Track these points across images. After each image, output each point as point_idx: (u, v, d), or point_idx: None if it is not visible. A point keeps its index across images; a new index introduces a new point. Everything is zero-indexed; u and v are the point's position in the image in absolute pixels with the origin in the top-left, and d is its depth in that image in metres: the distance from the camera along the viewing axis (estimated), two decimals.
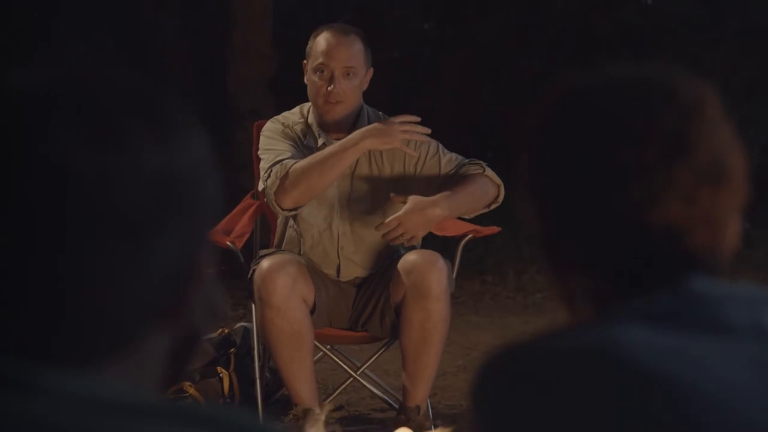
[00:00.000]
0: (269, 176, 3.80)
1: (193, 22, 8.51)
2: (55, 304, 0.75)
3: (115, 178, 0.75)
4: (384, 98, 3.99)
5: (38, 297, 0.75)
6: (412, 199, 3.77)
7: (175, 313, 0.79)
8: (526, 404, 1.07)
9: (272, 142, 3.91)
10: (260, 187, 3.90)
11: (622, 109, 1.15)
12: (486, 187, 3.91)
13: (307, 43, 3.95)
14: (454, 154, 3.97)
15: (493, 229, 4.21)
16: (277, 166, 3.80)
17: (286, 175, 3.77)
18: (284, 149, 3.86)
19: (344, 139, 3.78)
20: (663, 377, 1.04)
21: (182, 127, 0.79)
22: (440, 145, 3.97)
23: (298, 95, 4.12)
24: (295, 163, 3.78)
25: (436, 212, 3.78)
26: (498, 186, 3.93)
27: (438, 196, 3.81)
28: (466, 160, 3.96)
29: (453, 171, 3.91)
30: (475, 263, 6.81)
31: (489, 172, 3.92)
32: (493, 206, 3.95)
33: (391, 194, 3.83)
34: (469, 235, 4.12)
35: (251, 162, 4.06)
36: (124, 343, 0.77)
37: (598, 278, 1.14)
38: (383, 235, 3.77)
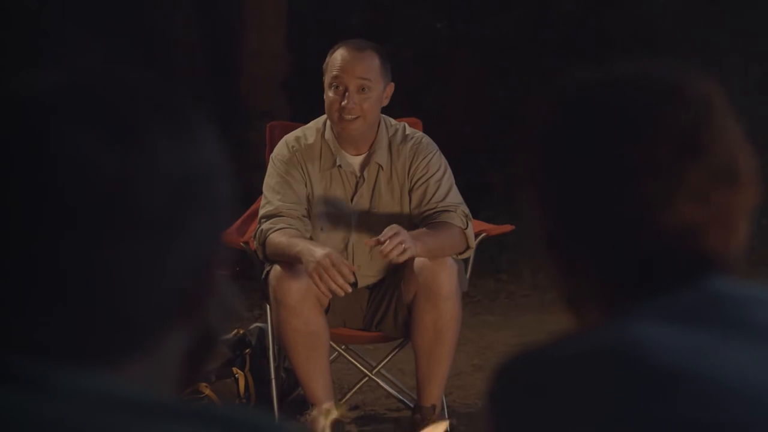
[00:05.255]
0: (256, 233, 3.86)
1: (205, 22, 8.51)
2: (70, 303, 0.75)
3: (133, 176, 0.75)
4: (396, 97, 3.97)
5: (52, 296, 0.74)
6: (394, 226, 3.67)
7: (191, 312, 0.79)
8: (548, 409, 1.06)
9: (273, 179, 3.90)
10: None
11: (632, 108, 1.13)
12: (456, 241, 3.85)
13: (319, 44, 3.95)
14: (452, 193, 3.91)
15: (507, 228, 4.20)
16: (263, 225, 3.83)
17: (264, 244, 3.81)
18: (279, 197, 3.85)
19: (306, 251, 3.64)
20: (687, 375, 1.02)
21: (197, 127, 0.79)
22: (447, 173, 3.93)
23: (312, 96, 4.12)
24: (275, 231, 3.79)
25: (411, 253, 3.65)
26: (468, 246, 3.89)
27: (416, 232, 3.74)
28: (454, 206, 3.90)
29: (433, 212, 3.87)
30: (490, 262, 6.80)
31: (469, 231, 3.88)
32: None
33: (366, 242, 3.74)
34: (483, 234, 4.11)
35: (264, 163, 4.07)
36: (139, 342, 0.76)
37: (608, 279, 1.13)
38: (384, 253, 3.60)
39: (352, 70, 3.81)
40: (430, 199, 3.88)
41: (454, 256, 3.88)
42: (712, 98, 1.14)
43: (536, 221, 1.16)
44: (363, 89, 3.81)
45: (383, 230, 3.92)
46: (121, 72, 0.81)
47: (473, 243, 3.91)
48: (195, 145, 0.80)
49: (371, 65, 3.83)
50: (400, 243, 3.60)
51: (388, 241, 3.59)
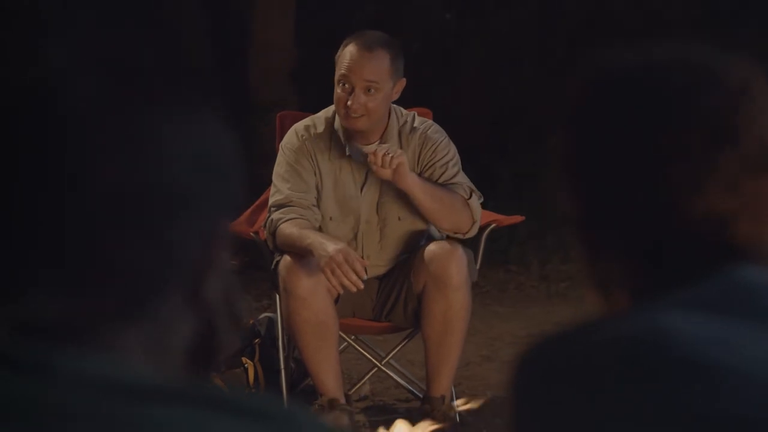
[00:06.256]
0: (266, 223, 3.88)
1: (214, 13, 8.51)
2: (67, 266, 0.73)
3: (147, 143, 0.74)
4: (406, 90, 3.96)
5: (53, 264, 0.73)
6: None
7: (189, 286, 0.78)
8: (570, 395, 1.05)
9: (282, 167, 3.91)
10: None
11: (666, 91, 1.11)
12: (458, 206, 3.86)
13: (327, 35, 3.95)
14: (459, 175, 3.93)
15: (517, 219, 4.21)
16: (274, 215, 3.84)
17: (275, 234, 3.82)
18: (289, 186, 3.86)
19: (318, 245, 3.67)
20: (713, 365, 1.01)
21: (211, 109, 0.79)
22: (455, 158, 3.95)
23: (321, 87, 4.11)
24: (285, 221, 3.80)
25: (403, 159, 3.75)
26: (472, 221, 3.90)
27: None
28: (464, 186, 3.92)
29: (441, 181, 3.91)
30: (499, 253, 6.79)
31: (473, 202, 3.89)
32: (459, 234, 3.91)
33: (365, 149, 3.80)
34: (493, 225, 4.12)
35: (274, 154, 4.07)
36: (136, 312, 0.75)
37: (636, 265, 1.11)
38: (376, 164, 3.71)
39: (360, 71, 3.80)
40: (437, 181, 3.89)
41: (460, 236, 3.88)
42: (749, 83, 1.12)
43: (568, 204, 1.15)
44: (369, 90, 3.81)
45: (393, 219, 3.93)
46: (140, 50, 0.81)
47: (478, 217, 3.91)
48: (211, 126, 0.80)
49: (379, 67, 3.82)
50: (386, 154, 3.67)
51: (374, 152, 3.69)
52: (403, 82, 3.91)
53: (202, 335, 0.80)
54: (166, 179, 0.76)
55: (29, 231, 0.73)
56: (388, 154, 3.70)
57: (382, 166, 3.70)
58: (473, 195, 3.90)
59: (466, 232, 3.92)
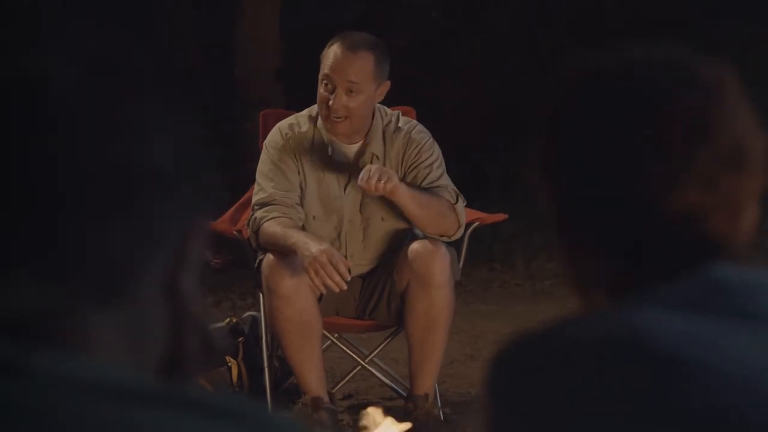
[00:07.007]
0: (249, 221, 3.87)
1: (201, 10, 8.50)
2: (52, 256, 0.72)
3: (139, 136, 0.74)
4: (394, 87, 3.95)
5: (33, 252, 0.72)
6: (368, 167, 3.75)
7: (169, 283, 0.77)
8: (547, 393, 1.06)
9: (266, 165, 3.90)
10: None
11: (642, 91, 1.13)
12: (445, 212, 3.85)
13: (316, 33, 3.94)
14: (444, 177, 3.93)
15: (500, 217, 4.21)
16: (257, 213, 3.83)
17: (258, 233, 3.82)
18: (272, 185, 3.85)
19: (301, 244, 3.66)
20: (690, 362, 1.02)
21: (198, 105, 0.79)
22: (439, 160, 3.94)
23: (307, 85, 4.10)
24: (269, 220, 3.79)
25: (395, 180, 3.72)
26: (458, 225, 3.90)
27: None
28: (444, 186, 3.91)
29: (426, 186, 3.90)
30: (483, 251, 6.80)
31: (459, 206, 3.89)
32: (444, 238, 3.90)
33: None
34: (476, 223, 4.12)
35: (258, 152, 4.06)
36: (114, 298, 0.74)
37: (614, 263, 1.13)
38: (369, 189, 3.69)
39: (342, 72, 3.79)
40: (421, 183, 3.88)
41: (445, 239, 3.88)
42: (723, 82, 1.14)
43: (547, 204, 1.16)
44: (351, 91, 3.80)
45: (376, 219, 3.93)
46: (128, 41, 0.81)
47: (463, 220, 3.91)
48: (195, 117, 0.79)
49: (362, 68, 3.81)
50: (378, 179, 3.65)
51: (366, 181, 3.65)
52: (388, 84, 3.90)
53: (175, 339, 0.79)
54: (149, 168, 0.76)
55: (9, 218, 0.72)
56: (381, 180, 3.66)
57: (375, 191, 3.69)
58: (459, 199, 3.90)
59: (451, 236, 3.92)
